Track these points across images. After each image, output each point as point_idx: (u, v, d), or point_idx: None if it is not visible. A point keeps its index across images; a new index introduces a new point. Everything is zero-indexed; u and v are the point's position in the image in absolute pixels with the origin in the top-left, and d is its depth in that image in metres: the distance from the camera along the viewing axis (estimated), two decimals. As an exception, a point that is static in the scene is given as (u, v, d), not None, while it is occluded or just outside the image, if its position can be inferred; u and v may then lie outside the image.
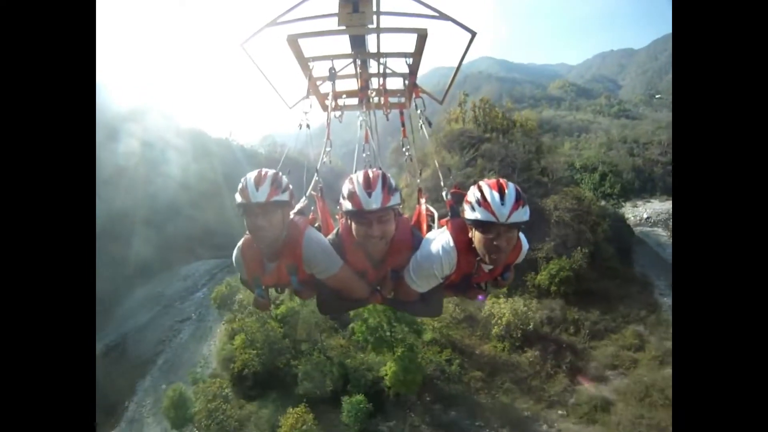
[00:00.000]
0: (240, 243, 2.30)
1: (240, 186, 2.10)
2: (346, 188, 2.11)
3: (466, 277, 2.33)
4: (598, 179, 25.17)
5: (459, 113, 31.53)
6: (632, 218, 39.19)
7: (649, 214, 40.63)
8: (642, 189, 50.80)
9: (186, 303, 23.66)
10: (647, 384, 13.00)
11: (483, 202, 1.95)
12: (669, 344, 15.76)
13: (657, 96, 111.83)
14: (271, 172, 2.15)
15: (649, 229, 35.51)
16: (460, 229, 2.17)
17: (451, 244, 2.17)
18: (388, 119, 4.18)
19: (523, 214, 1.94)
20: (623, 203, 35.72)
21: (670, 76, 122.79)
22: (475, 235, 2.07)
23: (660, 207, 42.86)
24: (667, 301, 19.81)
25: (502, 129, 29.25)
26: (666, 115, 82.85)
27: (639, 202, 46.22)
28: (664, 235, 33.71)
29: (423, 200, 2.92)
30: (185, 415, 11.89)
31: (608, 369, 14.26)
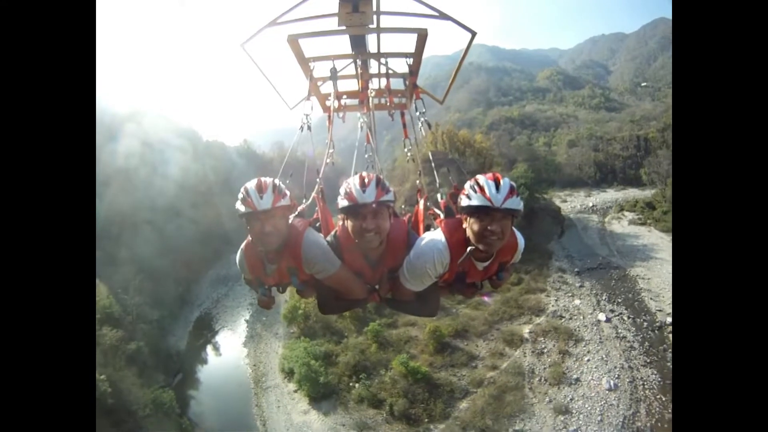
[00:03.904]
0: (242, 246, 2.56)
1: (241, 196, 2.30)
2: (342, 188, 2.34)
3: (461, 277, 2.48)
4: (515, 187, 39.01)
5: (431, 137, 44.19)
6: (579, 206, 52.07)
7: (596, 202, 52.77)
8: (603, 180, 63.85)
9: (252, 278, 37.37)
10: (507, 297, 27.01)
11: (479, 190, 2.18)
12: (538, 284, 29.24)
13: (643, 84, 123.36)
14: (269, 179, 2.37)
15: (586, 215, 48.25)
16: (454, 228, 2.36)
17: (444, 243, 2.34)
18: (393, 119, 4.50)
19: (517, 203, 2.16)
20: (549, 198, 46.38)
21: (658, 61, 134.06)
22: (471, 224, 2.25)
23: (610, 196, 54.83)
24: (555, 263, 33.08)
25: (460, 151, 42.51)
26: (646, 106, 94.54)
27: (594, 192, 58.68)
28: (594, 219, 46.38)
29: (422, 200, 3.06)
30: (294, 314, 24.68)
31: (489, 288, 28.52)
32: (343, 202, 2.33)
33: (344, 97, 4.40)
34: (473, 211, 2.22)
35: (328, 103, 3.98)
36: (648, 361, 22.37)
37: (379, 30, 3.64)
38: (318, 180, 3.09)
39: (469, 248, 2.30)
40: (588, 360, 22.53)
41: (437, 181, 3.05)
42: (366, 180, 2.32)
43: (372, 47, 3.96)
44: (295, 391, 21.61)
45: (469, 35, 3.38)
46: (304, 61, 3.72)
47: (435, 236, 2.43)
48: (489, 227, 2.18)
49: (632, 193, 53.76)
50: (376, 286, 2.71)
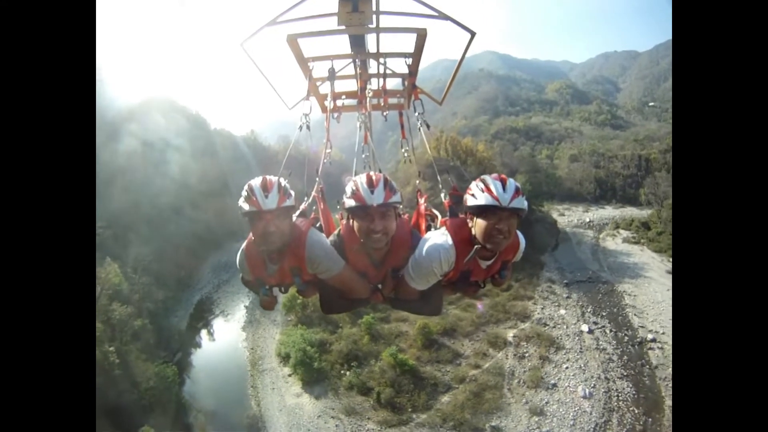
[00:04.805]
0: (243, 246, 2.54)
1: (245, 194, 2.28)
2: (349, 188, 2.35)
3: (465, 275, 2.53)
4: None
5: (435, 143, 45.61)
6: (576, 221, 53.16)
7: (592, 218, 53.87)
8: (602, 197, 64.74)
9: (252, 265, 38.75)
10: (496, 302, 28.22)
11: (486, 189, 2.23)
12: (527, 292, 30.66)
13: (650, 104, 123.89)
14: (274, 178, 2.36)
15: (581, 230, 49.35)
16: (459, 228, 2.41)
17: (450, 242, 2.39)
18: (386, 120, 4.38)
19: (523, 203, 2.22)
20: (545, 211, 47.30)
21: (668, 82, 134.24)
22: (477, 224, 2.29)
23: (608, 213, 56.04)
24: (546, 274, 34.58)
25: (462, 159, 44.03)
26: (651, 126, 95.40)
27: (592, 208, 59.61)
28: (589, 235, 47.58)
29: (422, 200, 3.12)
30: (294, 303, 26.07)
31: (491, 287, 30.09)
32: (350, 202, 2.35)
33: (343, 97, 4.47)
34: (480, 210, 2.27)
35: (326, 103, 4.01)
36: (625, 374, 23.53)
37: (378, 30, 3.65)
38: (317, 179, 3.11)
39: (475, 247, 2.36)
40: (567, 367, 23.83)
41: (440, 184, 3.10)
42: (374, 180, 2.33)
43: (371, 47, 4.01)
44: (290, 375, 23.25)
45: (469, 36, 3.40)
46: (303, 61, 3.75)
47: (440, 235, 2.47)
48: (497, 226, 2.23)
49: (630, 211, 54.70)
50: (379, 286, 2.73)
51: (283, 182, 2.38)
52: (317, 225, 2.78)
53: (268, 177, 2.36)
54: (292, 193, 2.41)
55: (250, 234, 2.45)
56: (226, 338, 28.84)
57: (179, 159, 43.55)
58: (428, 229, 2.89)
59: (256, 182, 2.31)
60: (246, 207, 2.27)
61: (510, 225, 2.26)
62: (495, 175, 2.32)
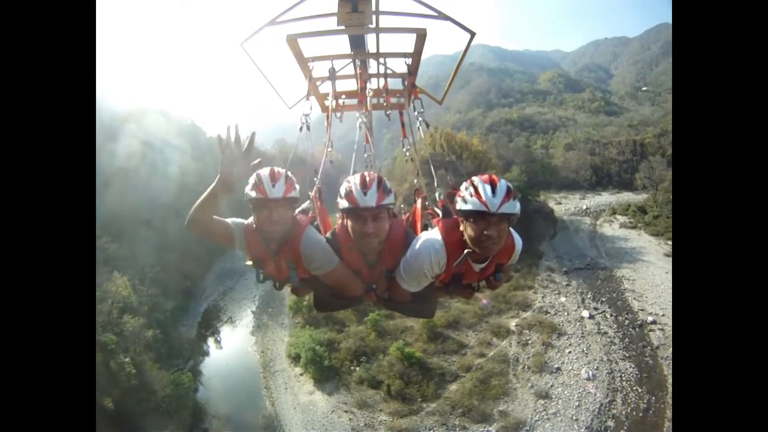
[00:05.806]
0: (243, 226, 2.58)
1: (253, 182, 2.36)
2: (343, 188, 2.36)
3: (457, 278, 2.51)
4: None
5: (430, 140, 46.19)
6: (573, 209, 53.84)
7: (589, 205, 54.39)
8: (598, 183, 65.39)
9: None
10: (497, 293, 28.13)
11: (475, 194, 2.18)
12: (527, 282, 31.55)
13: (643, 89, 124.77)
14: (282, 169, 2.45)
15: (579, 218, 49.98)
16: (451, 229, 2.39)
17: (441, 243, 2.38)
18: (389, 119, 4.41)
19: (514, 207, 2.17)
20: (542, 201, 47.67)
21: (660, 67, 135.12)
22: (467, 228, 2.27)
23: (605, 200, 56.47)
24: (545, 263, 35.37)
25: (457, 154, 44.73)
26: (644, 111, 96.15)
27: (589, 195, 60.10)
28: (586, 222, 48.29)
29: (419, 200, 3.15)
30: (299, 305, 27.04)
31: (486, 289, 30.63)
32: (343, 203, 2.38)
33: (343, 96, 4.47)
34: (469, 214, 2.25)
35: (327, 103, 4.01)
36: (627, 355, 24.38)
37: (378, 30, 3.67)
38: (315, 180, 3.15)
39: (465, 251, 2.35)
40: (569, 352, 24.68)
41: (435, 181, 3.10)
42: (368, 181, 2.35)
43: (371, 47, 4.03)
44: (301, 374, 24.19)
45: (469, 35, 3.43)
46: (303, 61, 3.78)
47: (432, 236, 2.46)
48: (486, 232, 2.20)
49: (626, 197, 55.31)
50: (374, 285, 2.74)
51: (290, 174, 2.49)
52: (314, 224, 2.83)
53: (275, 168, 2.46)
54: (297, 186, 2.51)
55: (251, 219, 2.54)
56: (235, 343, 29.70)
57: (175, 167, 44.04)
58: (425, 228, 2.92)
59: (264, 172, 2.40)
60: (253, 194, 2.38)
61: (500, 230, 2.23)
62: (486, 176, 2.29)
